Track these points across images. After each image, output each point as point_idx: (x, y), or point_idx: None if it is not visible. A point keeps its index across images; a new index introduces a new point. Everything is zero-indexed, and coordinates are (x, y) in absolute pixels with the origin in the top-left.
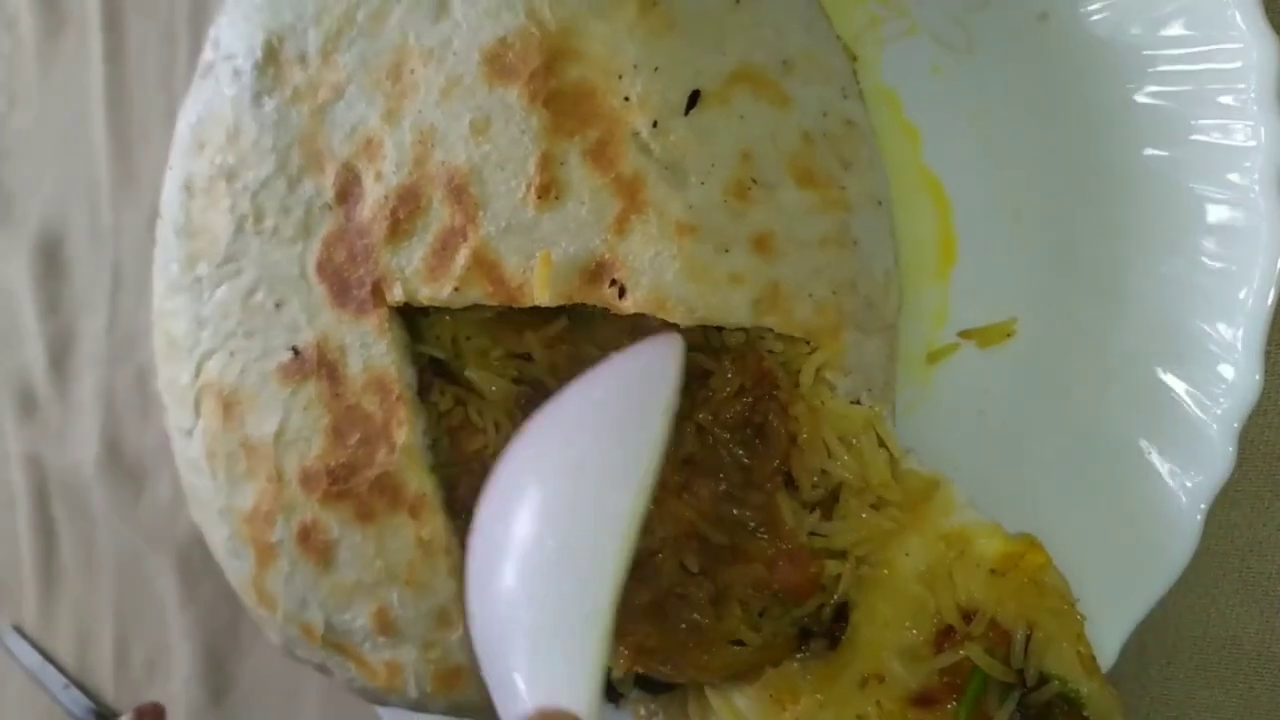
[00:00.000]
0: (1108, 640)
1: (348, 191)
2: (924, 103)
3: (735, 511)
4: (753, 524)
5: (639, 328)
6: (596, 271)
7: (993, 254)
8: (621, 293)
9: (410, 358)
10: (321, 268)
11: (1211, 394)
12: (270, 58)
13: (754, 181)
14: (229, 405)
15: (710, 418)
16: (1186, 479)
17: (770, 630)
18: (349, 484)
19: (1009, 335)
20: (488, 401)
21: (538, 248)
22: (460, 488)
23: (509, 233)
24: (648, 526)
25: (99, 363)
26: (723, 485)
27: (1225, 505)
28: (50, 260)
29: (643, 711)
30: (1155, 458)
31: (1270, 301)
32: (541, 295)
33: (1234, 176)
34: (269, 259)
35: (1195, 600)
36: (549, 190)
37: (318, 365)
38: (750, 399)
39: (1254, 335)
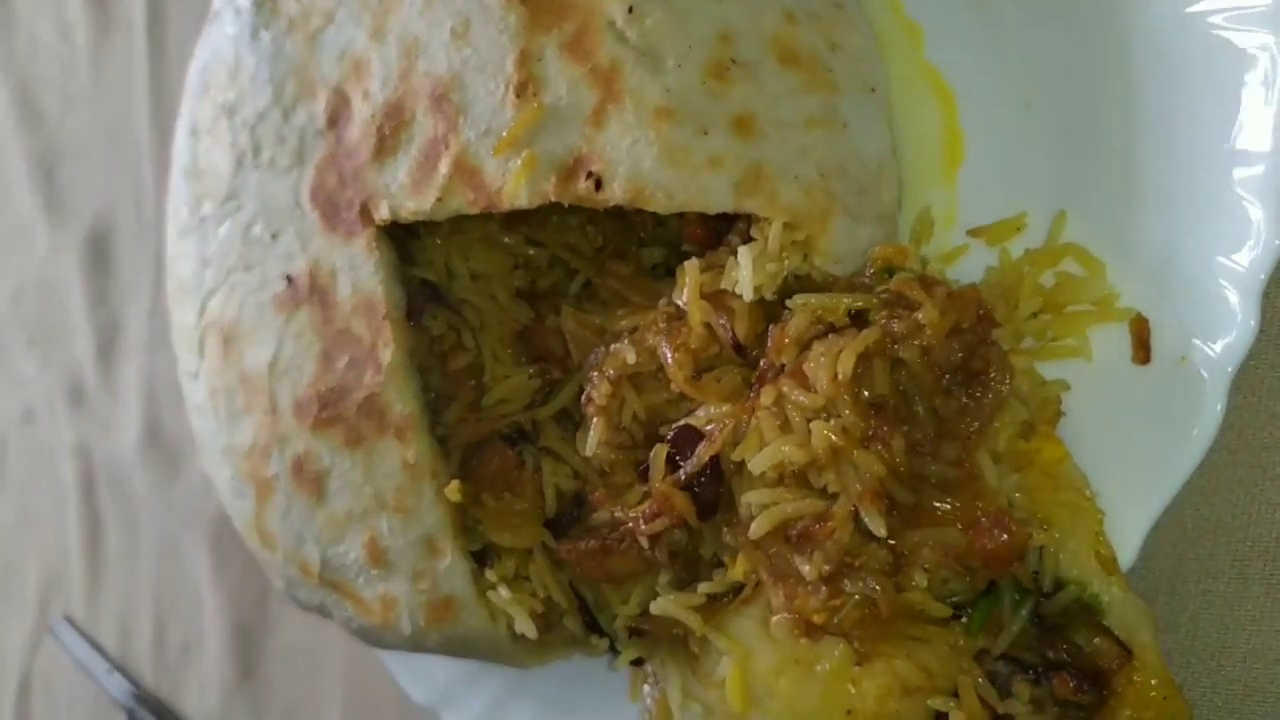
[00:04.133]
0: (1130, 535)
1: (338, 115)
2: None
3: (928, 466)
4: (942, 482)
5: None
6: (574, 167)
7: (1001, 148)
8: (598, 185)
9: (399, 278)
10: (314, 194)
11: (1233, 258)
12: None
13: (733, 62)
14: (228, 340)
15: (918, 356)
16: (1208, 348)
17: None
18: (338, 408)
19: (1019, 230)
20: (482, 328)
21: (520, 148)
22: (446, 413)
23: (488, 136)
24: (808, 482)
25: (142, 349)
26: (914, 435)
27: (1263, 394)
28: (99, 254)
29: (646, 690)
30: (1174, 330)
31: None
32: (517, 196)
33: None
34: (266, 191)
35: (1234, 504)
36: (526, 87)
37: (310, 292)
38: (969, 341)
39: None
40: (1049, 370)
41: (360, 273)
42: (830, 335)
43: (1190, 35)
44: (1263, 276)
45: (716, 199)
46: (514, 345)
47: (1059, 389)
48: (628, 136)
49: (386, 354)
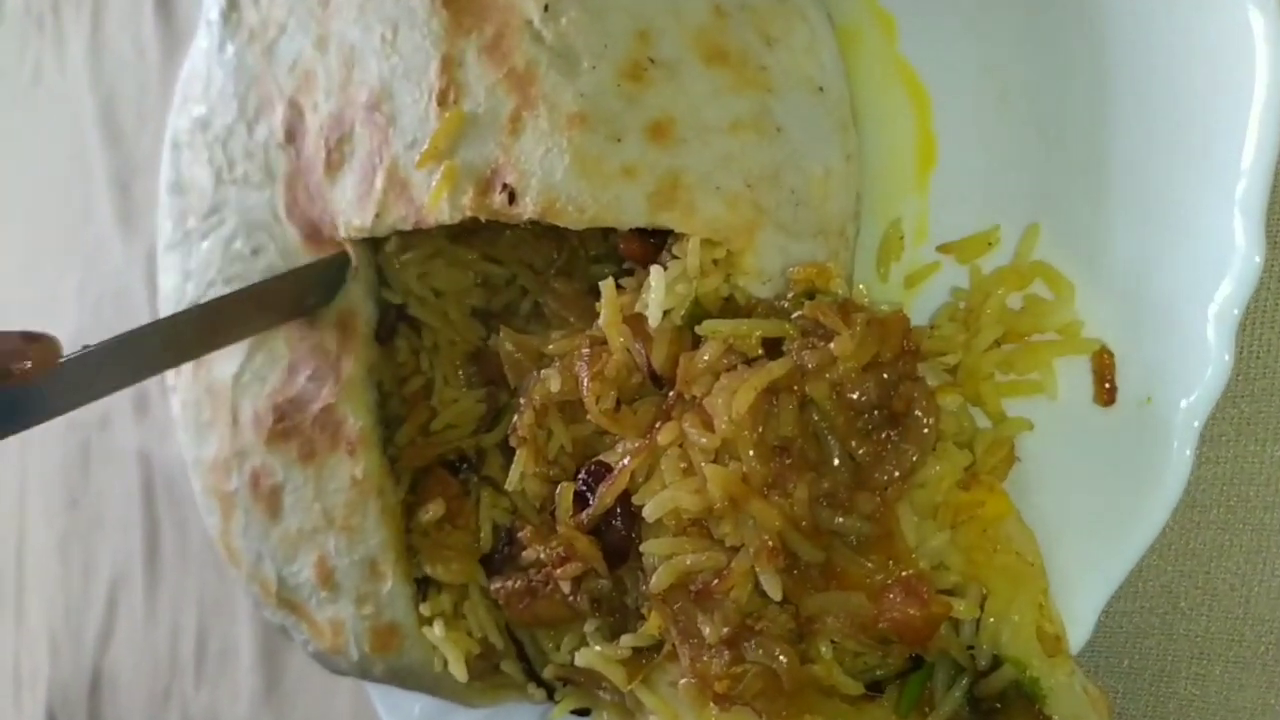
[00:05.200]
0: (1084, 608)
1: (294, 129)
2: None
3: (838, 519)
4: (856, 538)
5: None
6: (490, 179)
7: (976, 152)
8: (512, 198)
9: (375, 296)
10: (290, 210)
11: (1210, 286)
12: (233, 4)
13: (651, 61)
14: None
15: (830, 394)
16: (1177, 388)
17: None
18: (295, 420)
19: (991, 245)
20: (435, 348)
21: (440, 160)
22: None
23: (414, 147)
24: (710, 532)
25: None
26: (824, 484)
27: (1266, 441)
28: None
29: None
30: (1141, 367)
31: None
32: (439, 211)
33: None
34: (245, 205)
35: (1232, 571)
36: (448, 95)
37: None
38: (888, 376)
39: (1252, 222)
40: (1010, 408)
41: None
42: (740, 367)
43: (1177, 36)
44: (1236, 311)
45: (629, 212)
46: (467, 367)
47: (1017, 429)
48: (541, 145)
49: (348, 365)
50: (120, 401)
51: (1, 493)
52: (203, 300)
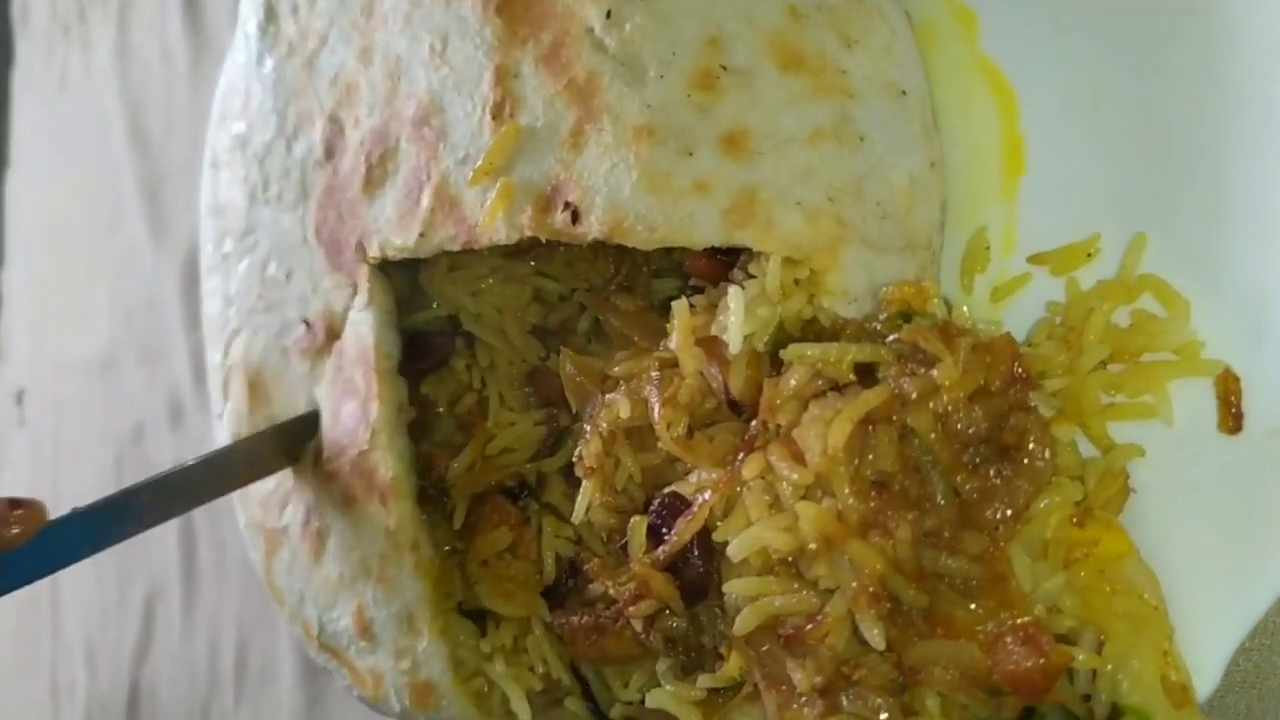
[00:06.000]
0: (1210, 656)
1: (333, 145)
2: None
3: (944, 561)
4: (964, 582)
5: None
6: (551, 196)
7: (1069, 156)
8: (575, 217)
9: (393, 324)
10: (319, 230)
11: None
12: (270, 15)
13: (724, 69)
14: (254, 385)
15: (933, 424)
16: None
17: None
18: (338, 463)
19: (1090, 256)
20: (491, 367)
21: (496, 177)
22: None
23: (466, 163)
24: (800, 571)
25: None
26: (928, 522)
27: None
28: (194, 276)
29: None
30: (1272, 392)
31: None
32: (495, 230)
33: None
34: (278, 226)
35: None
36: (503, 108)
37: (326, 339)
38: (997, 406)
39: None
40: (1119, 434)
41: (359, 317)
42: (830, 394)
43: None
44: None
45: (703, 231)
46: (524, 387)
47: (1129, 457)
48: (606, 160)
49: (373, 410)
50: (154, 411)
51: None
52: (244, 329)
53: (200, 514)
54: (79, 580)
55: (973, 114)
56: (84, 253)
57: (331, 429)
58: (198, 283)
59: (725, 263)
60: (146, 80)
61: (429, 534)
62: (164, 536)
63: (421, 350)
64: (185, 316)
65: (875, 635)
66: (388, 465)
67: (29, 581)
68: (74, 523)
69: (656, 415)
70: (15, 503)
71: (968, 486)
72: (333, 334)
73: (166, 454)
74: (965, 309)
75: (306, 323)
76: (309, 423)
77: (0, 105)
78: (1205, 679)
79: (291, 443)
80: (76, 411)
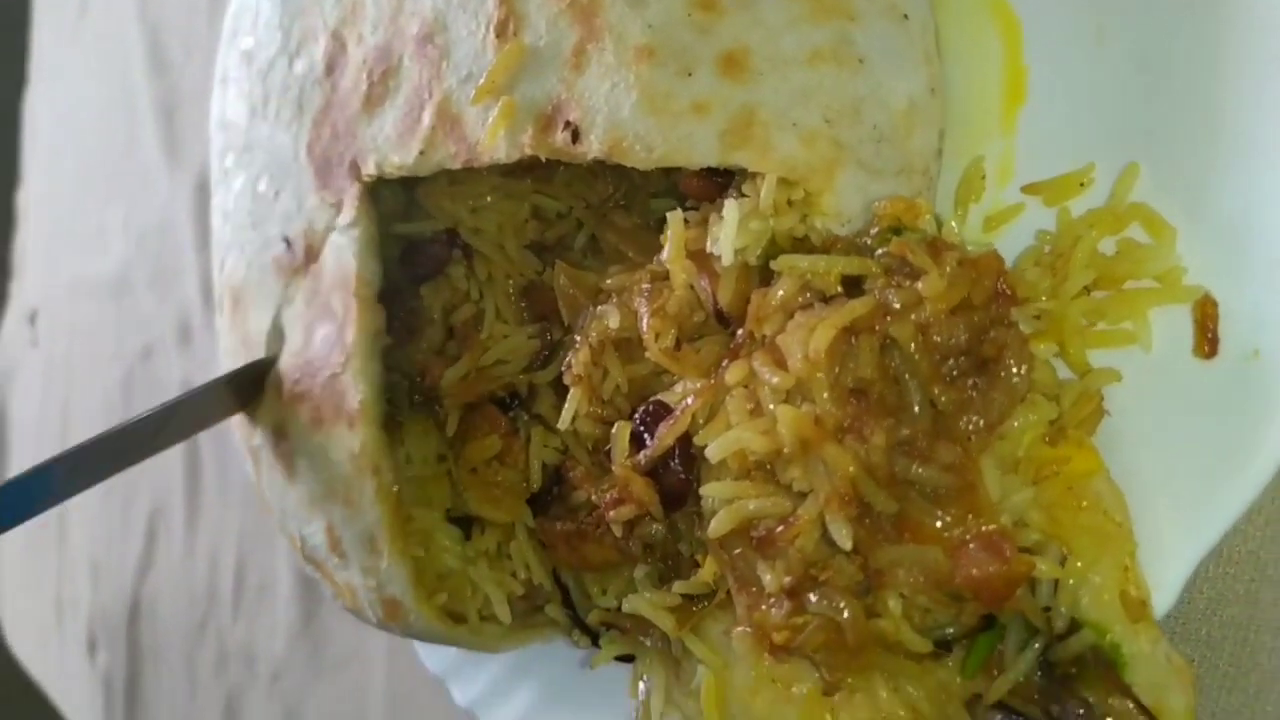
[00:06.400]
0: (1171, 573)
1: (334, 62)
2: None
3: (915, 469)
4: (934, 490)
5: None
6: (552, 115)
7: (1069, 88)
8: (575, 136)
9: (376, 250)
10: (310, 148)
11: None
12: None
13: None
14: (236, 300)
15: (914, 335)
16: None
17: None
18: (308, 384)
19: (1084, 186)
20: (489, 280)
21: (498, 95)
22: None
23: (469, 81)
24: (776, 476)
25: None
26: (903, 430)
27: None
28: (206, 198)
29: (642, 687)
30: (1247, 317)
31: None
32: (495, 149)
33: None
34: (274, 143)
35: None
36: (507, 26)
37: (304, 260)
38: (979, 320)
39: None
40: (1097, 359)
41: (341, 240)
42: (816, 305)
43: None
44: None
45: (700, 151)
46: (520, 301)
47: (1105, 381)
48: (607, 80)
49: (350, 335)
50: (163, 333)
51: (45, 422)
52: (234, 245)
53: (205, 434)
54: (86, 499)
55: (977, 43)
56: (100, 174)
57: (302, 351)
58: (210, 202)
59: (720, 183)
60: (166, 2)
61: (391, 458)
62: (169, 457)
63: (416, 258)
64: (197, 238)
65: (844, 536)
66: (358, 390)
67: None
68: (24, 481)
69: (645, 326)
70: None
71: (944, 398)
72: (311, 255)
73: (175, 374)
74: (954, 225)
75: (287, 240)
76: (259, 370)
77: (20, 24)
78: (1164, 596)
79: (240, 390)
80: (88, 332)
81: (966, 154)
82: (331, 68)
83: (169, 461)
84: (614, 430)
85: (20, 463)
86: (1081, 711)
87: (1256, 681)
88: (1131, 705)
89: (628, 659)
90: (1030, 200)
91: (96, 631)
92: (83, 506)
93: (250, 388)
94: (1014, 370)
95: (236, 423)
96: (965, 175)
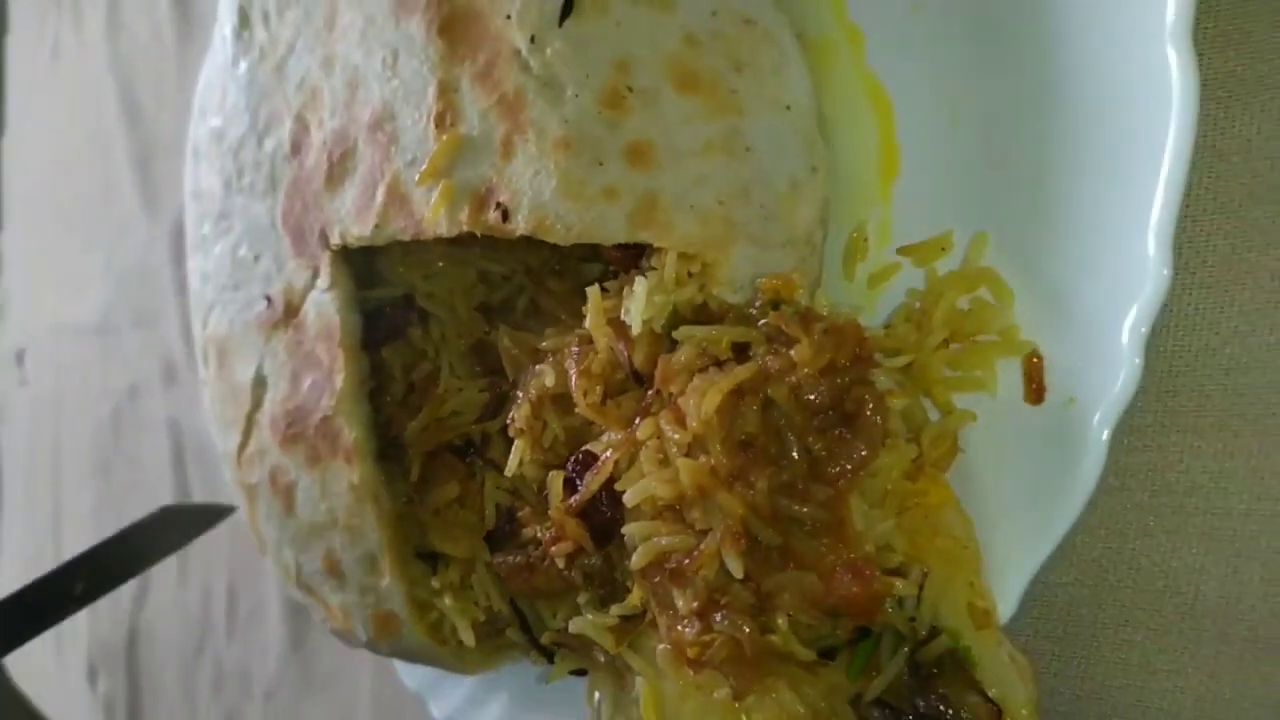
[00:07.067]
0: (1010, 588)
1: (299, 142)
2: (867, 1)
3: (795, 508)
4: (810, 525)
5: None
6: (485, 197)
7: (931, 163)
8: (505, 215)
9: (355, 306)
10: (285, 218)
11: (1122, 305)
12: (244, 21)
13: (630, 90)
14: (222, 354)
15: (788, 395)
16: (1096, 397)
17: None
18: (301, 427)
19: (944, 250)
20: (443, 340)
21: (439, 179)
22: (398, 424)
23: (414, 165)
24: (683, 516)
25: None
26: (783, 476)
27: (1186, 431)
28: (184, 245)
29: (596, 697)
30: (1066, 370)
31: (1176, 203)
32: (438, 225)
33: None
34: (250, 213)
35: (1153, 553)
36: (445, 118)
37: (284, 315)
38: (842, 380)
39: (1163, 244)
40: (958, 401)
41: (323, 297)
42: (711, 368)
43: (1106, 74)
44: (1145, 327)
45: (611, 230)
46: (471, 358)
47: (961, 422)
48: (530, 167)
49: (338, 380)
50: (148, 373)
51: (35, 459)
52: (217, 305)
53: (194, 465)
54: (80, 533)
55: (857, 123)
56: (79, 221)
57: (290, 398)
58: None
59: (635, 252)
60: (137, 56)
61: (388, 487)
62: (159, 492)
63: (378, 323)
64: (176, 283)
65: (736, 567)
66: (351, 428)
67: None
68: None
69: (574, 384)
70: None
71: (817, 446)
72: (291, 310)
73: (161, 411)
74: (822, 297)
75: (268, 298)
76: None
77: None
78: (1006, 605)
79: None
80: (75, 371)
81: (852, 219)
82: (297, 147)
83: (160, 494)
84: (549, 478)
85: (11, 500)
86: (941, 706)
87: (1104, 673)
88: (979, 697)
89: (581, 673)
90: (905, 261)
91: (96, 660)
92: (78, 543)
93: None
94: (873, 421)
95: (230, 462)
96: (850, 239)
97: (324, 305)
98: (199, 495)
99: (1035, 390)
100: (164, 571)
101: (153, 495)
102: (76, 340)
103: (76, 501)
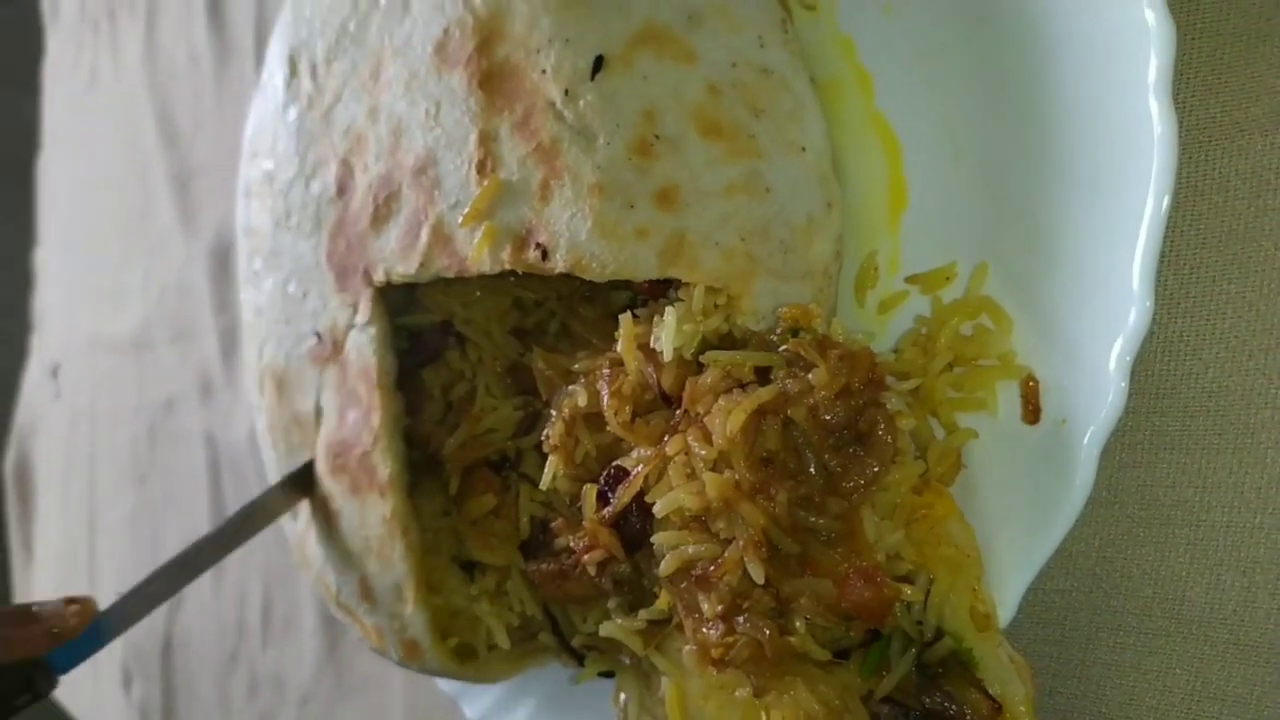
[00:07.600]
0: (1010, 594)
1: (345, 185)
2: (877, 46)
3: (812, 519)
4: (826, 535)
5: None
6: (525, 238)
7: (936, 196)
8: (544, 255)
9: (390, 344)
10: (330, 257)
11: (1110, 333)
12: (293, 71)
13: (657, 138)
14: (280, 385)
15: (807, 415)
16: (1087, 417)
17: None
18: (345, 459)
19: (949, 279)
20: (480, 362)
21: (482, 220)
22: (437, 441)
23: (457, 208)
24: (708, 526)
25: None
26: (801, 489)
27: (1172, 449)
28: (221, 265)
29: (622, 698)
30: (1059, 392)
31: (1158, 239)
32: (481, 263)
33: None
34: (297, 251)
35: (1143, 562)
36: (486, 165)
37: (332, 350)
38: (856, 402)
39: (1147, 276)
40: (961, 420)
41: (360, 337)
42: (735, 390)
43: (1097, 117)
44: (1129, 358)
45: (643, 268)
46: (506, 378)
47: (964, 440)
48: (567, 210)
49: (375, 419)
50: (185, 386)
51: (71, 472)
52: (270, 338)
53: (229, 477)
54: (114, 543)
55: (867, 160)
56: (116, 238)
57: (337, 431)
58: (226, 269)
59: (665, 282)
60: (174, 80)
61: (417, 520)
62: (196, 501)
63: (418, 346)
64: (214, 300)
65: (757, 573)
66: (386, 464)
67: (89, 656)
68: (121, 606)
69: (606, 404)
70: (71, 600)
71: (833, 463)
72: (337, 347)
73: (198, 425)
74: (838, 324)
75: (318, 334)
76: (307, 470)
77: (31, 91)
78: (1005, 610)
79: (296, 488)
80: (110, 385)
81: (863, 250)
82: (343, 190)
83: (196, 505)
84: (584, 491)
85: (46, 513)
86: (946, 703)
87: (1099, 673)
88: (981, 695)
89: (609, 674)
90: (913, 289)
91: (131, 666)
92: (112, 552)
93: (302, 483)
94: (884, 439)
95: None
96: (861, 268)
97: (363, 345)
98: (234, 509)
99: (1032, 411)
100: (199, 578)
101: (188, 507)
102: (112, 354)
103: (112, 511)
